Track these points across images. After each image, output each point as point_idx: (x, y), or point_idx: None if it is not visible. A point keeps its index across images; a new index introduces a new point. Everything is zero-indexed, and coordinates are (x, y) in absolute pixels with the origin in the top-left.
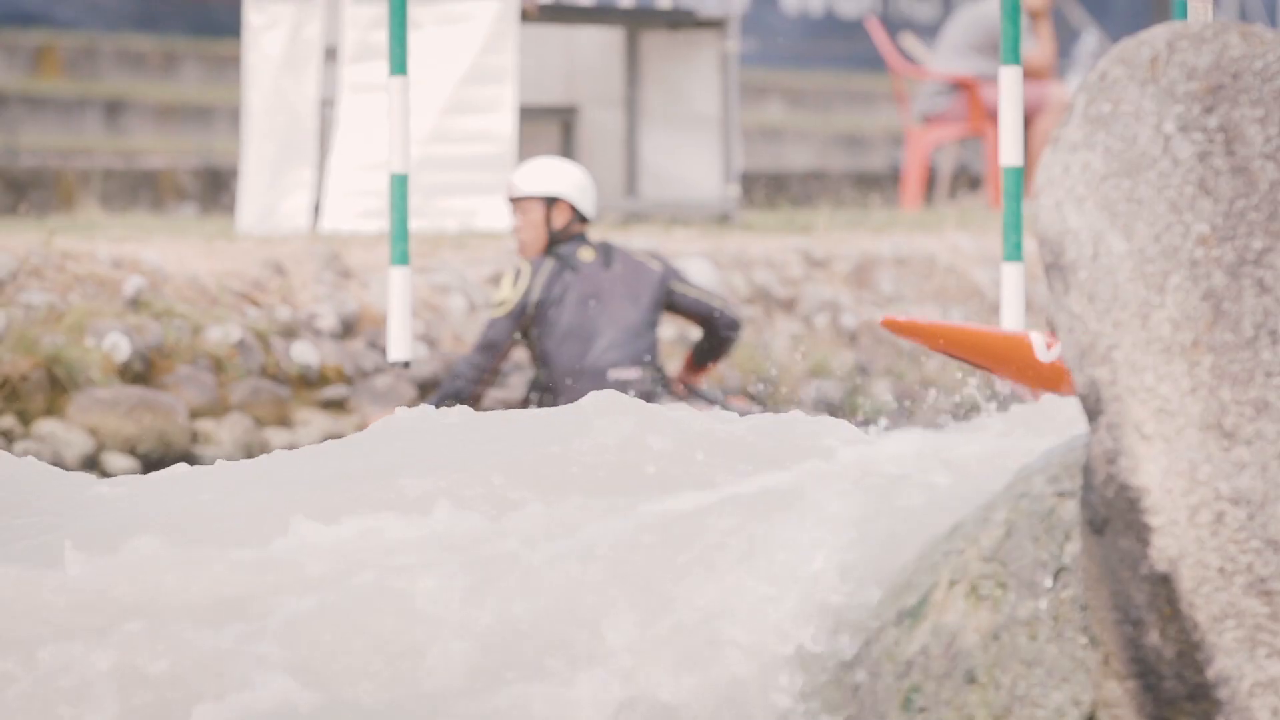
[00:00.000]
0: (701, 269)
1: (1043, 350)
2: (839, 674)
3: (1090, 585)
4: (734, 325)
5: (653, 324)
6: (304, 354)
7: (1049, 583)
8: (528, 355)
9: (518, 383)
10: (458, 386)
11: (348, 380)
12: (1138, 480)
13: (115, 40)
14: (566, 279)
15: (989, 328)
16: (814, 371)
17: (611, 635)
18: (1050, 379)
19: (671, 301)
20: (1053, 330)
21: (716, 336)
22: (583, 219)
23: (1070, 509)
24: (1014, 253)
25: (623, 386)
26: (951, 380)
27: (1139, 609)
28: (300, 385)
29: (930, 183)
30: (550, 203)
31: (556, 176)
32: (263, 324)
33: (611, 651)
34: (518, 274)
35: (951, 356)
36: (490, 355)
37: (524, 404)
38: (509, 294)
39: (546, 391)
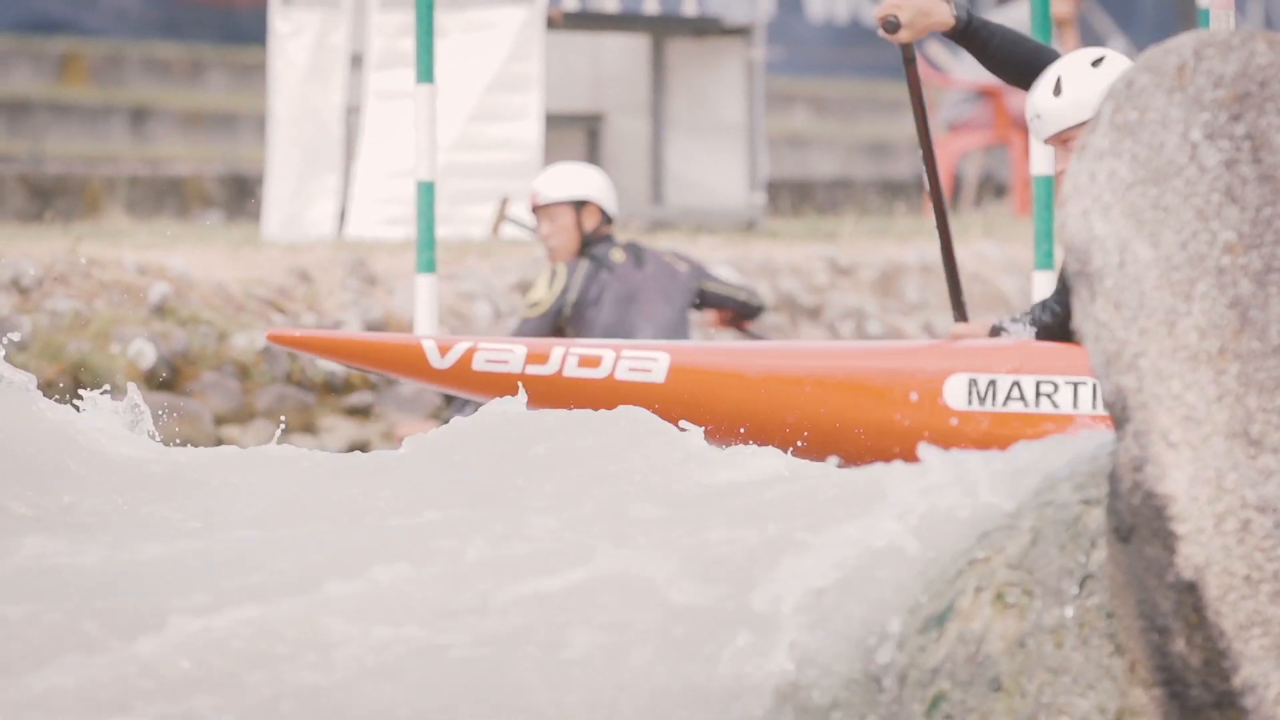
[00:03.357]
0: (727, 277)
1: (436, 357)
2: (865, 681)
3: (1116, 593)
4: (762, 309)
5: (687, 321)
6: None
7: (1075, 590)
8: None
9: None
10: None
11: (373, 387)
12: (1164, 488)
13: (141, 48)
14: (603, 279)
15: (381, 336)
16: None
17: (631, 642)
18: (449, 381)
19: (702, 298)
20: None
21: (749, 316)
22: (609, 220)
23: (1096, 516)
24: (1045, 261)
25: None
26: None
27: (1165, 617)
28: (325, 392)
29: (956, 191)
30: (579, 206)
31: (582, 180)
32: None
33: (633, 657)
34: (553, 275)
35: (349, 367)
36: None
37: None
38: (544, 295)
39: None
